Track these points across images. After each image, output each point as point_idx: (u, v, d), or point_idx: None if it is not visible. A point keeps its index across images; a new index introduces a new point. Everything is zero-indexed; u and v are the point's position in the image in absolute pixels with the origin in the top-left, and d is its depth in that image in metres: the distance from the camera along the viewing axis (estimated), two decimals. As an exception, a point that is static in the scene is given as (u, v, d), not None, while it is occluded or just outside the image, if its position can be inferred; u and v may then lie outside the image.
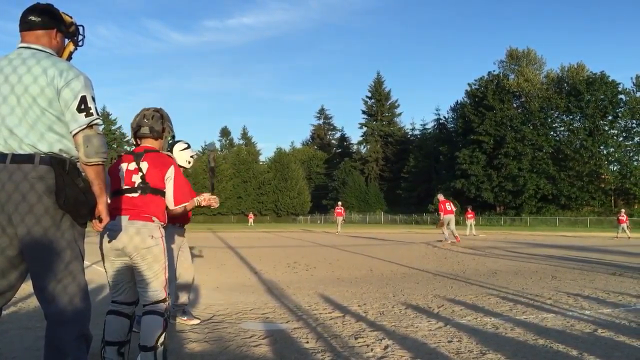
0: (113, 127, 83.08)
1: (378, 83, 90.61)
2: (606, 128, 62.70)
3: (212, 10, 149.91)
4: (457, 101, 76.67)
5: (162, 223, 3.34)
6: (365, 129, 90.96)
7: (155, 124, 3.53)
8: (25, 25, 2.61)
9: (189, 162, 5.07)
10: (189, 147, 5.10)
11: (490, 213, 64.97)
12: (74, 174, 2.51)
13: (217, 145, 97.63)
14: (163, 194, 3.39)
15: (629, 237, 25.40)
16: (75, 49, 2.87)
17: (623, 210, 28.69)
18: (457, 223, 19.85)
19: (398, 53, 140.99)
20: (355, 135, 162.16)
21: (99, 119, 2.53)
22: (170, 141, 5.00)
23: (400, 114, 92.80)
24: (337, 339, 4.31)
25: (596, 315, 5.33)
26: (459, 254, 14.33)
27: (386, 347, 4.03)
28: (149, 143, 3.51)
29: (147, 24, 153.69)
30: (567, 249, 16.85)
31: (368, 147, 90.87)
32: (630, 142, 62.44)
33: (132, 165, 3.37)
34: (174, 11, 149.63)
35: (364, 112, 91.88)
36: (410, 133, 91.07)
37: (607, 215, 54.51)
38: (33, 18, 2.60)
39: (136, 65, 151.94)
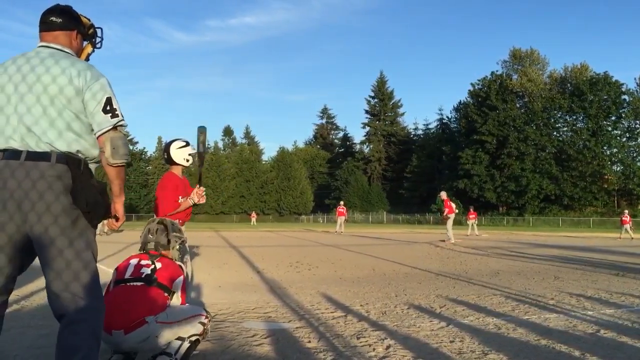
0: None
1: (381, 83, 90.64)
2: (609, 128, 62.59)
3: (214, 10, 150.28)
4: (460, 101, 76.81)
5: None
6: (368, 128, 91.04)
7: (160, 238, 3.62)
8: (45, 25, 2.63)
9: (187, 160, 5.05)
10: (187, 145, 5.09)
11: (493, 213, 64.92)
12: (88, 175, 2.52)
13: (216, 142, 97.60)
14: (168, 291, 3.37)
15: (632, 238, 25.34)
16: (93, 50, 2.90)
17: (626, 211, 28.66)
18: (459, 223, 19.84)
19: (401, 53, 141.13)
20: (358, 134, 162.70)
21: (123, 120, 2.55)
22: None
23: (403, 114, 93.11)
24: (339, 338, 4.31)
25: (599, 316, 5.32)
26: (461, 254, 14.31)
27: (388, 346, 4.02)
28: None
29: (149, 24, 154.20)
30: (570, 249, 16.82)
31: (371, 146, 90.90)
32: (634, 142, 62.34)
33: (145, 262, 3.43)
34: (176, 11, 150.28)
35: (366, 112, 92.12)
36: (413, 133, 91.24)
37: (610, 215, 54.46)
38: (53, 19, 2.62)
39: (138, 65, 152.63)
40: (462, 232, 26.23)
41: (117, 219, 2.68)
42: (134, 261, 3.41)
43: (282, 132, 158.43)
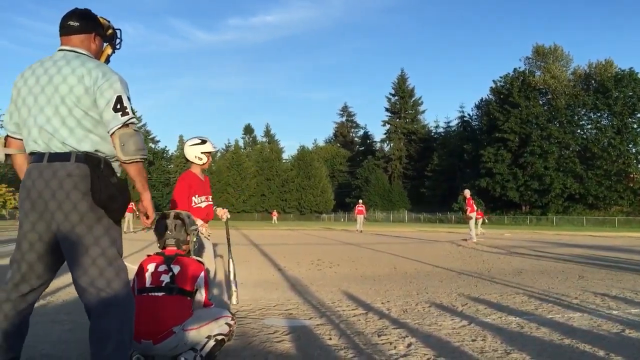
0: (139, 125, 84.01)
1: (402, 80, 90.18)
2: (635, 126, 61.53)
3: (236, 9, 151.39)
4: (482, 98, 76.15)
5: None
6: (388, 126, 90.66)
7: (180, 235, 3.59)
8: (64, 30, 2.69)
9: (199, 159, 4.92)
10: (203, 142, 4.94)
11: (515, 212, 64.26)
12: (108, 172, 2.58)
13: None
14: (191, 294, 3.37)
15: (659, 237, 24.90)
16: (113, 52, 2.95)
17: (652, 210, 28.13)
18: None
19: (422, 50, 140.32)
20: (378, 133, 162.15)
21: (134, 117, 2.59)
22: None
23: (424, 112, 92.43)
24: (360, 336, 4.31)
25: (624, 316, 5.24)
26: (483, 253, 14.20)
27: (409, 344, 4.01)
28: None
29: (172, 23, 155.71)
30: (594, 248, 16.58)
31: (391, 145, 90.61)
32: (660, 140, 61.14)
33: (162, 267, 3.40)
34: (199, 10, 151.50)
35: (387, 110, 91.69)
36: (434, 131, 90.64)
37: (636, 215, 53.58)
38: (72, 23, 2.68)
39: (160, 64, 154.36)
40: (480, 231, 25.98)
41: (147, 216, 2.72)
42: (151, 267, 3.39)
43: (302, 131, 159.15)
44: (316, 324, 4.78)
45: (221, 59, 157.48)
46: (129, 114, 2.55)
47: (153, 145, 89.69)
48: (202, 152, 4.94)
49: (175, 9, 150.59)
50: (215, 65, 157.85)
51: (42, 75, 2.56)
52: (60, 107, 2.51)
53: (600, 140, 61.29)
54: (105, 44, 2.89)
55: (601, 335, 4.37)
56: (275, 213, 63.74)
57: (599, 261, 11.88)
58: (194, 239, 3.71)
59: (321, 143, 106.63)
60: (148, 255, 3.53)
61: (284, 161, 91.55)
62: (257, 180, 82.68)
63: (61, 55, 2.61)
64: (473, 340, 4.15)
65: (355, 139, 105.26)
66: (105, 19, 2.85)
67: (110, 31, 2.88)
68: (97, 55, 2.79)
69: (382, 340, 4.16)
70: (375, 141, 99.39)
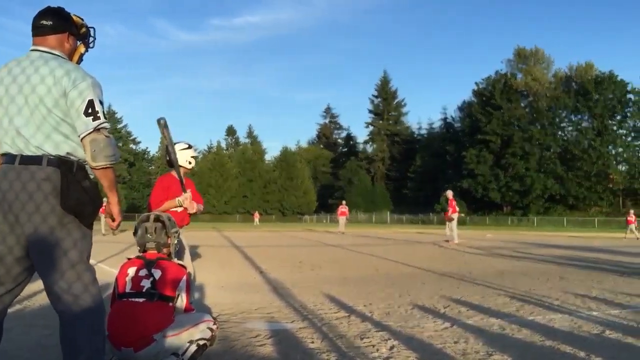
0: (119, 126, 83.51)
1: (385, 82, 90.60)
2: (615, 128, 62.53)
3: (219, 9, 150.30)
4: (464, 100, 76.81)
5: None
6: (371, 128, 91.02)
7: (161, 238, 3.52)
8: (37, 30, 2.64)
9: (190, 162, 5.07)
10: (189, 147, 5.12)
11: (497, 213, 64.84)
12: (81, 175, 2.53)
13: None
14: (172, 299, 3.31)
15: (638, 238, 25.28)
16: (86, 50, 2.88)
17: (632, 211, 28.57)
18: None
19: (405, 52, 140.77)
20: (361, 134, 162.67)
21: (106, 122, 2.54)
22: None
23: (406, 113, 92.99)
24: (343, 339, 4.29)
25: (604, 317, 5.28)
26: (465, 254, 14.28)
27: (392, 347, 4.00)
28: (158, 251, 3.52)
29: (154, 23, 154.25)
30: (575, 249, 16.77)
31: (374, 146, 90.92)
32: (639, 142, 62.12)
33: (143, 271, 3.32)
34: (181, 10, 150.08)
35: (370, 111, 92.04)
36: (416, 132, 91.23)
37: (616, 215, 54.29)
38: (45, 22, 2.62)
39: (142, 64, 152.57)
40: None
41: (112, 219, 2.69)
42: (131, 271, 3.33)
43: (285, 132, 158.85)
44: (298, 327, 4.75)
45: (203, 60, 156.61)
46: (100, 119, 2.49)
47: (134, 146, 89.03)
48: (191, 156, 5.10)
49: (156, 8, 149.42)
50: (198, 65, 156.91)
51: (19, 74, 2.50)
52: (36, 111, 2.46)
53: (581, 142, 62.12)
54: (78, 43, 2.82)
55: (582, 336, 4.39)
56: (257, 214, 63.45)
57: (579, 262, 12.00)
58: (175, 242, 3.65)
59: (304, 144, 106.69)
60: (128, 259, 3.46)
61: (266, 162, 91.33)
62: (239, 182, 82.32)
63: (38, 56, 2.55)
64: (455, 342, 4.15)
65: (339, 140, 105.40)
66: (78, 17, 2.79)
67: (83, 30, 2.81)
68: (71, 54, 2.73)
69: (364, 343, 4.14)
70: (358, 142, 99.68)
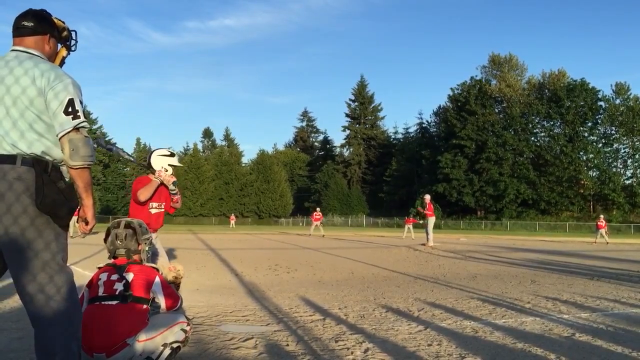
0: (94, 127, 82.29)
1: (361, 86, 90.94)
2: (586, 134, 63.67)
3: (193, 11, 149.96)
4: (440, 105, 77.59)
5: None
6: (348, 132, 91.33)
7: (131, 244, 3.47)
8: (18, 31, 2.61)
9: (165, 170, 5.04)
10: (172, 155, 5.09)
11: (471, 217, 65.54)
12: (56, 176, 2.49)
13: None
14: (146, 301, 3.27)
15: (607, 243, 25.73)
16: (68, 54, 2.87)
17: (602, 216, 29.12)
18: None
19: (381, 57, 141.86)
20: (338, 138, 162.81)
21: (85, 122, 2.51)
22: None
23: (383, 118, 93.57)
24: (318, 341, 4.30)
25: (574, 320, 5.37)
26: (439, 258, 14.40)
27: (366, 350, 4.02)
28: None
29: (128, 24, 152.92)
30: (546, 253, 17.02)
31: (351, 150, 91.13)
32: (609, 148, 63.46)
33: (115, 276, 3.28)
34: (155, 11, 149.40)
35: (347, 115, 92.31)
36: (393, 136, 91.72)
37: (586, 220, 55.31)
38: (26, 23, 2.60)
39: (117, 65, 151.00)
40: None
41: (86, 223, 2.63)
42: (103, 276, 3.28)
43: (262, 135, 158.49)
44: (273, 330, 4.74)
45: (179, 62, 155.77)
46: (80, 118, 2.47)
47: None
48: (169, 165, 5.06)
49: (130, 10, 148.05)
50: (174, 67, 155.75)
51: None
52: (11, 109, 2.42)
53: (553, 148, 63.15)
54: (60, 46, 2.80)
55: (552, 339, 4.47)
56: (233, 217, 63.17)
57: (551, 266, 12.19)
58: (146, 249, 3.61)
59: (281, 147, 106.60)
60: (98, 268, 3.41)
61: (243, 165, 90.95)
62: (215, 184, 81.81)
63: (14, 56, 2.52)
64: (429, 345, 4.19)
65: (315, 143, 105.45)
66: (60, 20, 2.76)
67: (65, 33, 2.79)
68: (51, 57, 2.70)
69: (339, 345, 4.15)
70: (335, 146, 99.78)
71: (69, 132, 2.44)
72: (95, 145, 4.13)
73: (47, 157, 2.48)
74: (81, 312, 2.57)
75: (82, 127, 2.49)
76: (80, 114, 2.48)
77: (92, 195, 2.59)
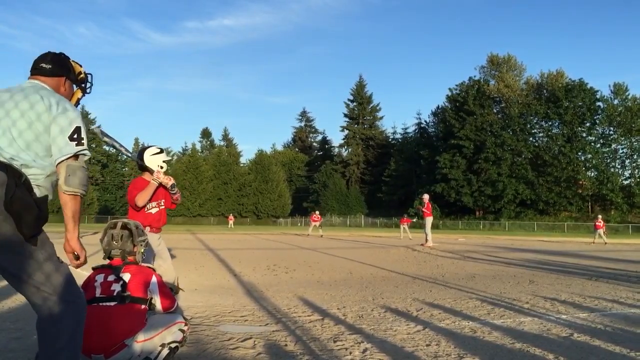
0: (92, 127, 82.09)
1: (360, 86, 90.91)
2: (584, 135, 63.67)
3: (193, 11, 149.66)
4: (438, 106, 77.51)
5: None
6: (346, 132, 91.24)
7: (126, 245, 3.47)
8: (36, 71, 2.69)
9: (162, 167, 5.02)
10: (161, 152, 5.08)
11: (469, 217, 65.56)
12: (29, 186, 2.39)
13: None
14: (144, 301, 3.27)
15: (606, 243, 25.74)
16: (83, 95, 2.94)
17: (600, 216, 29.12)
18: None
19: (380, 57, 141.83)
20: (336, 138, 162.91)
21: (87, 150, 2.54)
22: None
23: (381, 118, 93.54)
24: (316, 341, 4.30)
25: (572, 320, 5.38)
26: (438, 258, 14.40)
27: (365, 350, 4.02)
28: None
29: (128, 24, 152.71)
30: (544, 253, 17.03)
31: (349, 150, 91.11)
32: (607, 148, 63.47)
33: (112, 277, 3.28)
34: (155, 11, 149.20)
35: (345, 115, 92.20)
36: (391, 137, 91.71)
37: (584, 220, 55.33)
38: (44, 65, 2.68)
39: (116, 65, 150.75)
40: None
41: (77, 258, 2.55)
42: (100, 277, 3.28)
43: (260, 135, 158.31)
44: (272, 330, 4.74)
45: (178, 62, 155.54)
46: (83, 145, 2.50)
47: (107, 148, 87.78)
48: (163, 161, 5.04)
49: (130, 10, 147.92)
50: (173, 67, 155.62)
51: (7, 100, 2.49)
52: (11, 129, 2.42)
53: (551, 148, 63.17)
54: (75, 87, 2.87)
55: (551, 339, 4.47)
56: (231, 217, 63.12)
57: (549, 266, 12.20)
58: (142, 250, 3.60)
59: (280, 147, 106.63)
60: (93, 269, 3.40)
61: (241, 165, 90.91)
62: (213, 184, 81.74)
63: (30, 85, 2.59)
64: (427, 345, 4.19)
65: (314, 143, 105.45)
66: (77, 63, 2.85)
67: (81, 75, 2.87)
68: (67, 98, 2.75)
69: (337, 346, 4.15)
70: (333, 146, 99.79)
71: (69, 157, 2.45)
72: (92, 136, 4.15)
73: (23, 170, 2.41)
74: (81, 312, 2.54)
75: (83, 154, 2.51)
76: (84, 142, 2.52)
77: (78, 229, 2.51)
